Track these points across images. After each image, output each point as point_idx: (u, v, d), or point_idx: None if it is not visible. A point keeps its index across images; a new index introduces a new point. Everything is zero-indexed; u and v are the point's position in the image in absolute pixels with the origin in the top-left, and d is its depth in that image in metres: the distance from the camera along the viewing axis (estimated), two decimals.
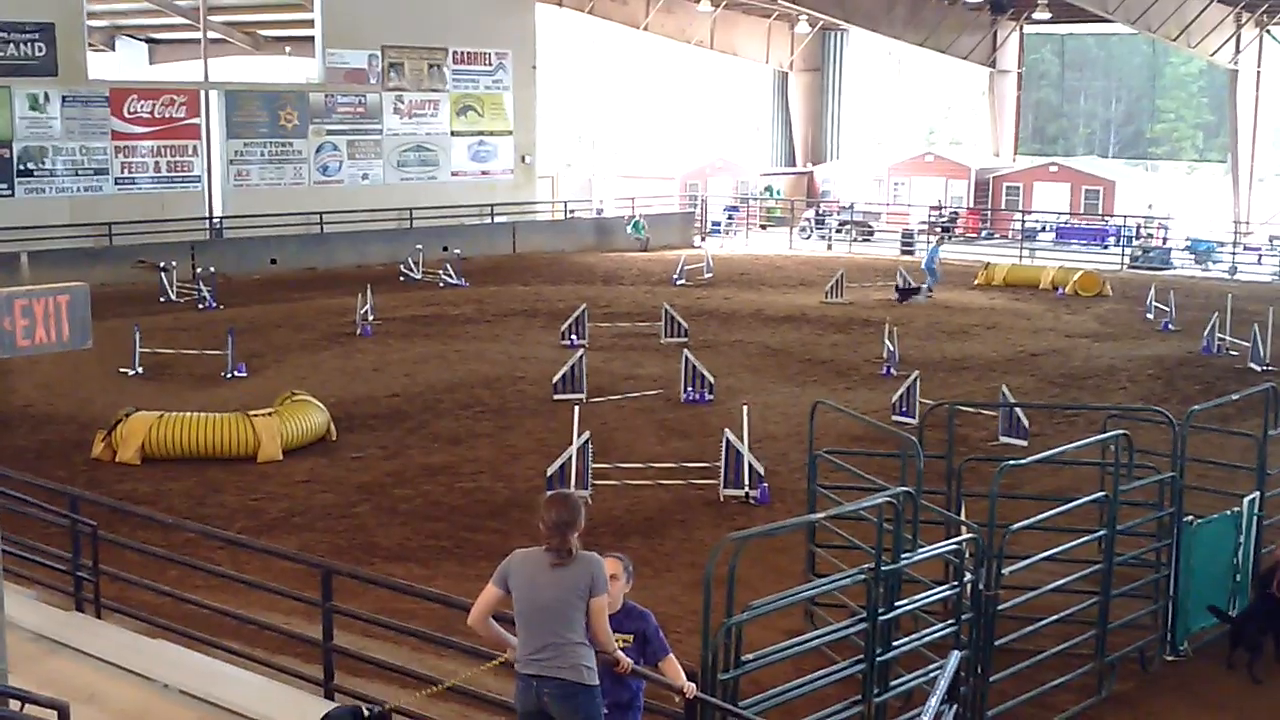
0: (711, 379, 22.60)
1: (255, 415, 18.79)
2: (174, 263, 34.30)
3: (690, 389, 22.47)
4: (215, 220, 41.03)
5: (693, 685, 7.63)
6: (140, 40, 57.05)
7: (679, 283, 37.71)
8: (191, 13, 45.02)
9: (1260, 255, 45.52)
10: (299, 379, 23.06)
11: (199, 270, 34.24)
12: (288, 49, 50.09)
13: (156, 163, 39.97)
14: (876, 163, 61.85)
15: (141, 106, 39.66)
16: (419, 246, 39.17)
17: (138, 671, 8.25)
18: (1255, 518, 12.85)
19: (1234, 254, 45.51)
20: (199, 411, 19.29)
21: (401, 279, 37.24)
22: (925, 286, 35.64)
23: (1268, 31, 53.49)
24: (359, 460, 18.59)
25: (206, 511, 15.98)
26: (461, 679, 8.02)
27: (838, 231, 51.05)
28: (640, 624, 7.56)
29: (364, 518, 16.02)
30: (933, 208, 54.10)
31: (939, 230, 47.36)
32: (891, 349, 25.50)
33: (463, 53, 46.40)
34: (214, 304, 32.17)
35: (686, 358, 22.87)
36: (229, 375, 23.82)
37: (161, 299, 32.90)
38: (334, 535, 15.26)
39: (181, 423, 18.49)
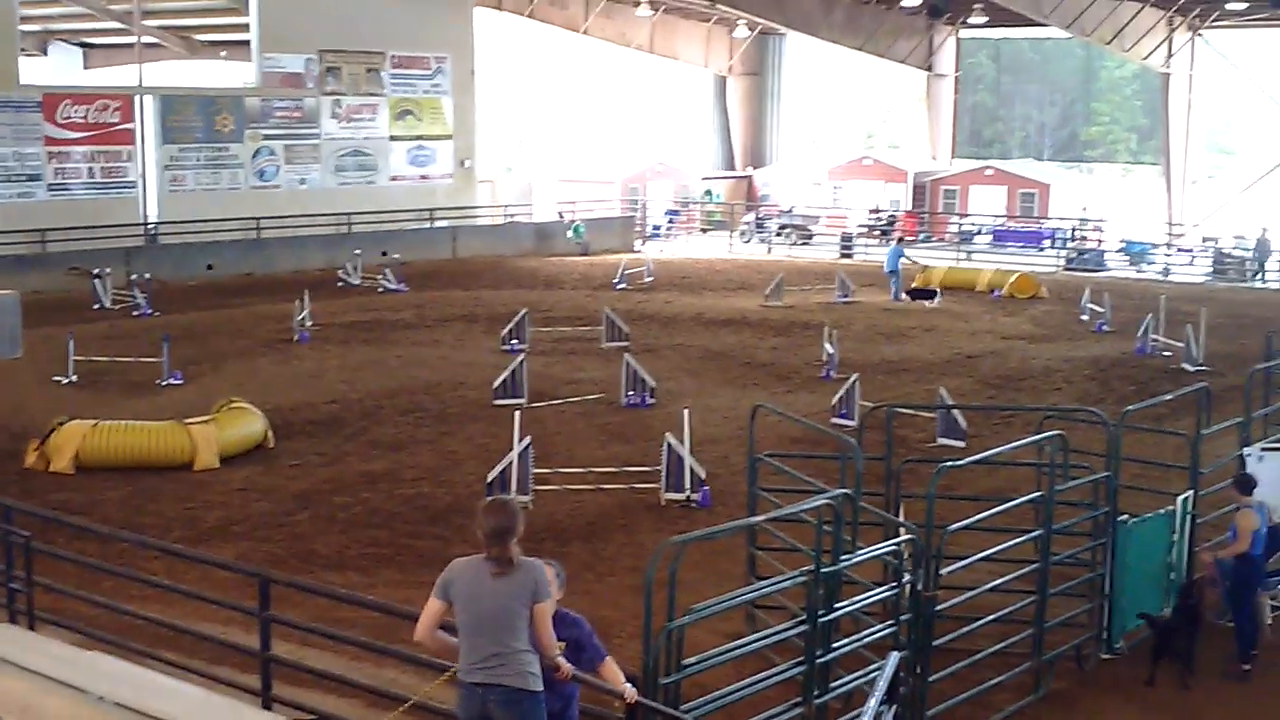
0: (652, 383, 22.62)
1: (191, 423, 18.60)
2: (108, 269, 33.87)
3: (631, 393, 22.47)
4: (150, 226, 40.60)
5: (634, 689, 7.63)
6: (74, 45, 56.37)
7: (620, 287, 37.73)
8: (126, 17, 44.54)
9: (1193, 257, 46.16)
10: (236, 386, 22.85)
11: (134, 277, 33.87)
12: (223, 53, 49.66)
13: (91, 168, 39.52)
14: (815, 166, 62.20)
15: (75, 112, 39.19)
16: (358, 251, 38.94)
17: (72, 684, 8.13)
18: (1189, 516, 13.02)
19: (1167, 256, 46.13)
20: (134, 420, 19.07)
21: (340, 284, 37.00)
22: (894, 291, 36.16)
23: (1200, 35, 54.28)
24: (297, 468, 18.44)
25: (142, 521, 15.79)
26: (424, 694, 7.95)
27: (777, 235, 51.24)
28: (573, 631, 7.56)
29: (302, 526, 15.89)
30: (871, 211, 54.46)
31: (889, 233, 47.29)
32: (831, 352, 25.62)
33: (401, 57, 46.20)
34: (149, 311, 31.81)
35: (627, 362, 22.88)
36: (164, 383, 23.55)
37: (96, 306, 32.50)
38: (272, 544, 15.12)
39: (116, 431, 18.27)
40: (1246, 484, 12.68)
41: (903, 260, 37.13)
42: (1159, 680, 11.59)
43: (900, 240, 39.68)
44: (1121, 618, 12.26)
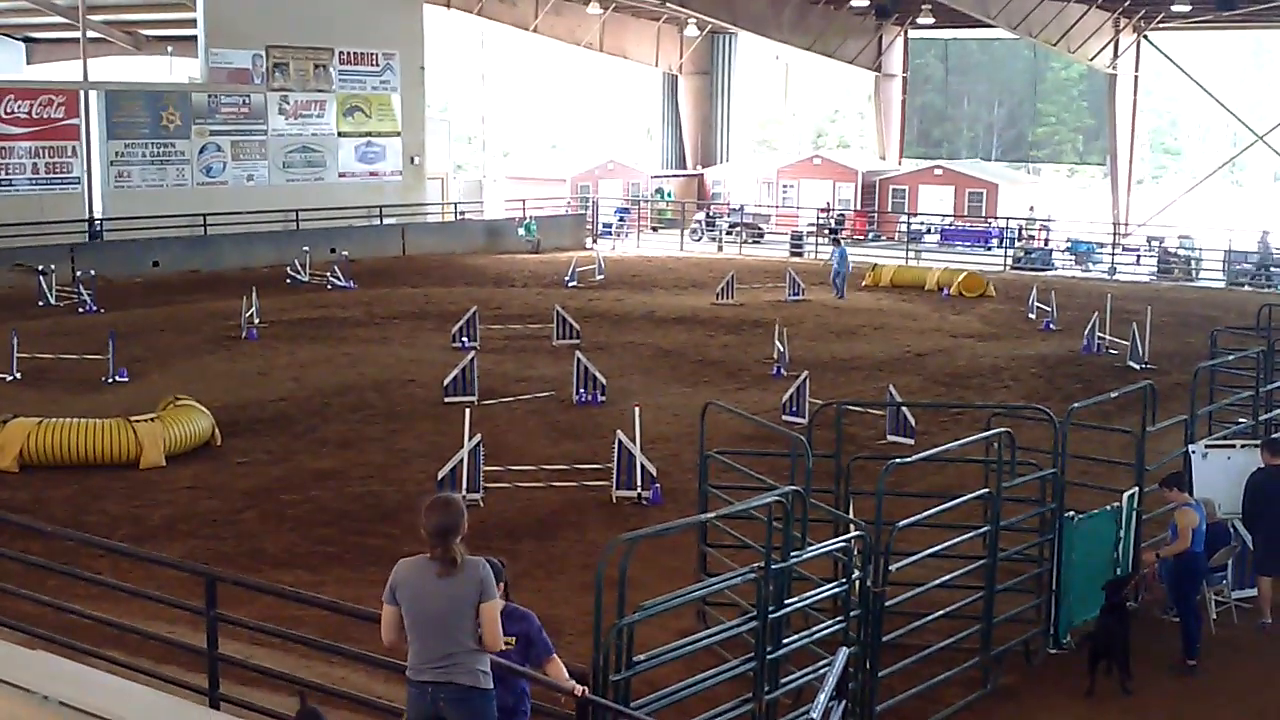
0: (604, 380, 22.62)
1: (137, 421, 18.42)
2: (53, 266, 33.50)
3: (582, 391, 22.46)
4: (95, 222, 40.17)
5: (583, 686, 7.62)
6: (17, 40, 55.75)
7: (571, 284, 37.70)
8: (70, 11, 43.99)
9: (1139, 256, 46.63)
10: (183, 384, 22.64)
11: (79, 273, 33.54)
12: (170, 49, 49.21)
13: (34, 164, 39.04)
14: (765, 165, 62.41)
15: (18, 107, 38.71)
16: (306, 249, 38.73)
17: (16, 683, 8.02)
18: (1134, 512, 13.15)
19: (1113, 255, 46.58)
20: (80, 418, 18.85)
21: (288, 281, 36.77)
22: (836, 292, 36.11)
23: (1145, 37, 54.86)
24: (245, 466, 18.31)
25: (88, 519, 15.63)
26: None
27: (728, 233, 51.37)
28: (523, 625, 7.54)
29: (250, 524, 15.78)
30: (820, 210, 54.69)
31: (838, 233, 47.18)
32: (782, 350, 25.71)
33: (349, 53, 45.93)
34: (94, 307, 31.49)
35: (578, 359, 22.87)
36: (110, 380, 23.33)
37: (40, 303, 32.13)
38: (219, 542, 15.01)
39: (61, 429, 18.07)
40: (1180, 481, 12.83)
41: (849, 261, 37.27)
42: (1098, 688, 11.56)
43: (839, 243, 39.77)
44: (1068, 613, 12.38)
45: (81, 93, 40.21)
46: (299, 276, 37.19)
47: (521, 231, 47.58)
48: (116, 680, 9.34)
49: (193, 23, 42.80)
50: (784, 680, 9.69)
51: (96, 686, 8.60)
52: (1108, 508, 12.74)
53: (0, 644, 9.81)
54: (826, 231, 49.51)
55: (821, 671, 9.08)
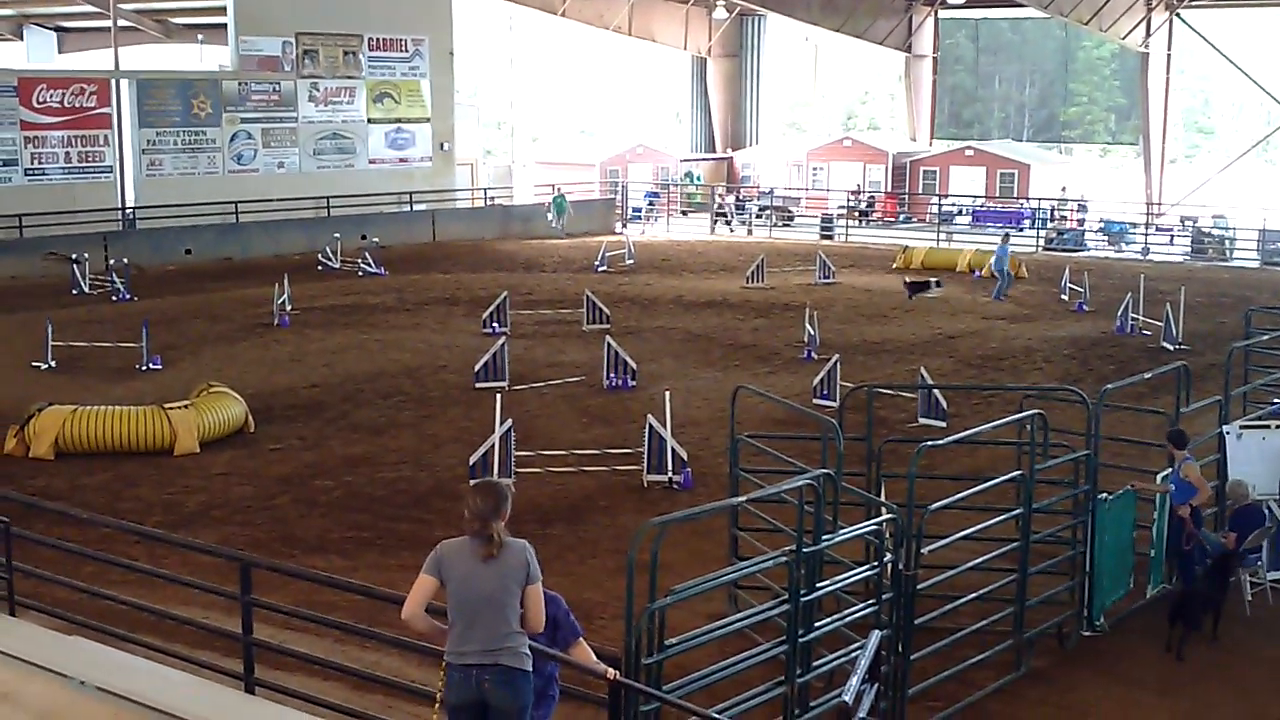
0: (634, 365, 22.62)
1: (171, 408, 18.53)
2: (86, 254, 33.72)
3: (613, 375, 22.47)
4: (128, 210, 40.42)
5: (615, 670, 7.64)
6: (49, 29, 56.03)
7: (600, 269, 37.70)
8: (101, 1, 44.26)
9: (1172, 236, 46.33)
10: (215, 371, 22.79)
11: (112, 262, 33.75)
12: (200, 37, 49.42)
13: (67, 153, 39.31)
14: (795, 148, 62.19)
15: (51, 96, 38.96)
16: (337, 235, 38.85)
17: (53, 669, 8.09)
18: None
19: (1146, 235, 46.27)
20: (114, 405, 18.99)
21: (319, 268, 36.90)
22: (1000, 287, 33.59)
23: (1178, 15, 54.35)
24: (278, 452, 18.40)
25: (123, 506, 15.75)
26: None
27: (758, 217, 51.22)
28: (550, 608, 7.56)
29: (284, 510, 15.87)
30: (851, 192, 54.50)
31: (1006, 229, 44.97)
32: (812, 333, 25.65)
33: (378, 39, 46.01)
34: (128, 295, 31.67)
35: (609, 344, 22.87)
36: (144, 368, 23.47)
37: (74, 291, 32.35)
38: (253, 528, 15.10)
39: (96, 417, 18.20)
40: (1182, 439, 12.93)
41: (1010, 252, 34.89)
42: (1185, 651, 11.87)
43: (1006, 238, 37.00)
44: (1102, 595, 12.32)
45: (113, 81, 40.42)
46: (330, 263, 37.31)
47: (551, 212, 47.56)
48: (152, 665, 9.43)
49: (223, 10, 42.97)
50: (816, 663, 9.69)
51: (132, 671, 8.68)
52: (1128, 487, 12.67)
53: (37, 630, 9.92)
54: (858, 214, 49.14)
55: (853, 654, 9.07)
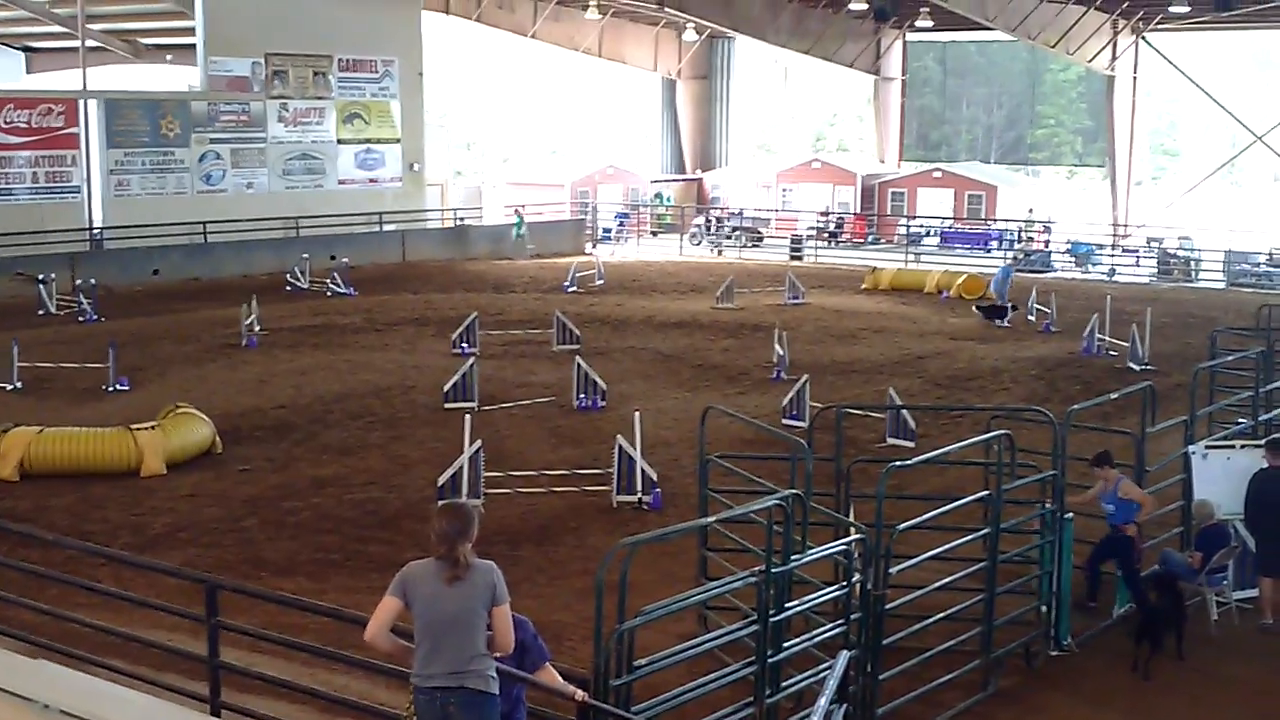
0: (604, 385, 22.62)
1: (138, 429, 18.42)
2: (53, 275, 33.49)
3: (582, 396, 22.46)
4: (95, 231, 40.21)
5: (584, 692, 7.63)
6: (16, 49, 55.70)
7: (570, 290, 37.72)
8: (69, 21, 44.04)
9: (1138, 257, 46.66)
10: (183, 392, 22.66)
11: (79, 282, 33.54)
12: (169, 57, 49.22)
13: (34, 173, 39.10)
14: (765, 169, 62.44)
15: (18, 116, 38.77)
16: (306, 256, 38.72)
17: (17, 692, 8.03)
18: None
19: (1113, 256, 46.57)
20: (80, 426, 18.88)
21: (288, 289, 36.76)
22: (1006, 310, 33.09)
23: (1144, 38, 54.88)
24: (245, 473, 18.31)
25: (89, 528, 15.64)
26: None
27: (728, 238, 51.35)
28: (519, 632, 7.54)
29: (251, 531, 15.78)
30: (820, 214, 54.73)
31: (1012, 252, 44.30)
32: (781, 353, 25.71)
33: (348, 60, 45.96)
34: (95, 316, 31.49)
35: (578, 364, 22.87)
36: (111, 389, 23.33)
37: (40, 312, 32.14)
38: (220, 550, 15.01)
39: (62, 438, 18.07)
40: (1108, 458, 13.10)
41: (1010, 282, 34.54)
42: (1107, 686, 11.74)
43: (1013, 260, 36.10)
44: (1069, 615, 12.38)
45: (81, 101, 40.25)
46: (299, 284, 37.19)
47: (513, 232, 47.56)
48: (118, 689, 9.35)
49: (192, 31, 42.83)
50: (785, 683, 9.70)
51: (97, 695, 8.61)
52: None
53: (1, 653, 9.83)
54: (827, 235, 49.32)
55: (822, 675, 9.09)
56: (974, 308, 33.86)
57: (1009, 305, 33.17)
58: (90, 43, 43.50)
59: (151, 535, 15.55)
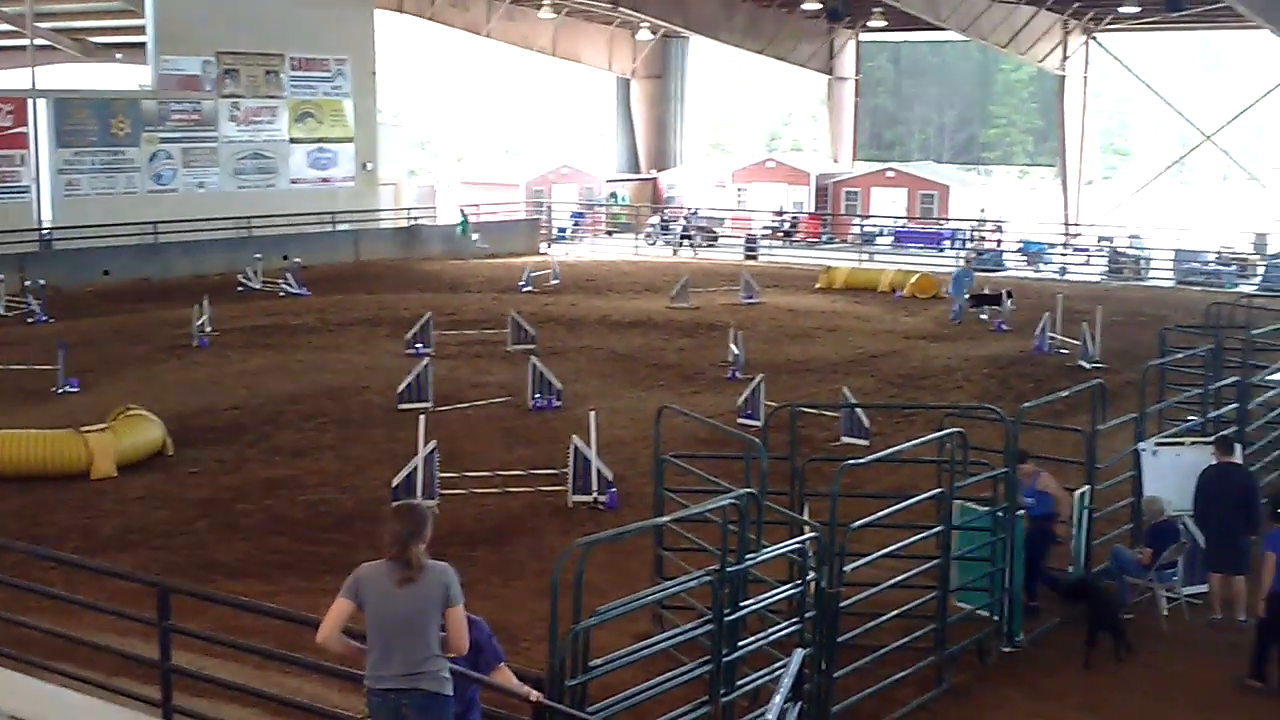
0: (559, 385, 22.60)
1: (88, 431, 18.26)
2: (2, 276, 33.18)
3: (538, 395, 22.43)
4: (45, 231, 39.81)
5: (538, 692, 7.61)
6: None
7: (525, 289, 37.66)
8: (18, 19, 43.60)
9: (1089, 256, 47.06)
10: (134, 393, 22.44)
11: (28, 283, 33.23)
12: (119, 56, 48.83)
13: None
14: (719, 168, 62.54)
15: None
16: (258, 255, 38.47)
17: None
18: (1085, 510, 13.28)
19: (1064, 255, 46.92)
20: (29, 428, 18.68)
21: (240, 289, 36.52)
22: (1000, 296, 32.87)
23: (1094, 39, 55.31)
24: (196, 475, 18.18)
25: (38, 531, 15.48)
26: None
27: (683, 237, 51.40)
28: (474, 633, 7.52)
29: (203, 534, 15.67)
30: (775, 213, 54.87)
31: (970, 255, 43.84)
32: (736, 353, 25.76)
33: (300, 59, 45.70)
34: (44, 317, 31.19)
35: (534, 364, 22.83)
36: (60, 390, 23.11)
37: None
38: (171, 553, 14.89)
39: (10, 440, 17.88)
40: (1024, 455, 13.09)
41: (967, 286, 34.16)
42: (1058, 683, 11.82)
43: (969, 262, 36.27)
44: (1021, 612, 12.46)
45: (29, 101, 39.83)
46: (251, 284, 36.95)
47: (458, 229, 47.40)
48: (69, 693, 9.28)
49: (142, 29, 42.50)
50: (740, 682, 9.71)
51: (49, 700, 8.55)
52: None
53: None
54: (781, 235, 49.42)
55: (777, 673, 9.11)
56: (971, 302, 33.61)
57: (1004, 292, 33.13)
58: (39, 41, 43.09)
59: (102, 538, 15.41)
